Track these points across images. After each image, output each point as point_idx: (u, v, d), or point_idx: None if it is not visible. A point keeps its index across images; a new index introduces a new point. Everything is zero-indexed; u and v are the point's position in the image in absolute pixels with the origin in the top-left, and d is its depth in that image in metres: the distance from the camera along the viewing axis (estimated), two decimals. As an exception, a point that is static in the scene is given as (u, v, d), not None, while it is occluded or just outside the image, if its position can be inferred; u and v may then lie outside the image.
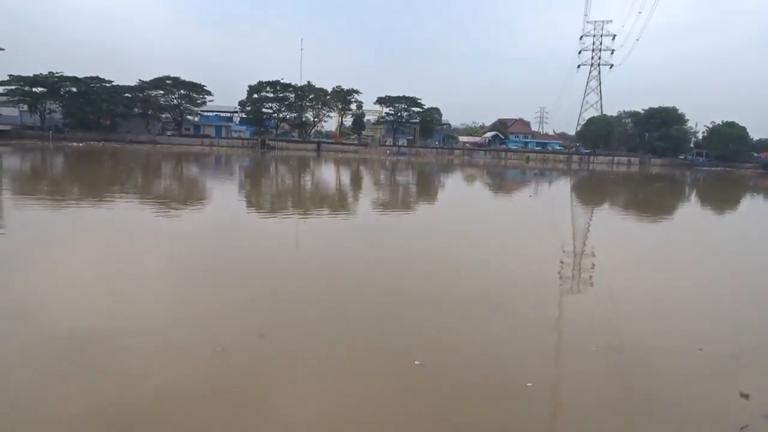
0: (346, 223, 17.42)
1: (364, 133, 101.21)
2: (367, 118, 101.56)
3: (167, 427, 4.60)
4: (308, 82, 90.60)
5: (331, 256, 11.79)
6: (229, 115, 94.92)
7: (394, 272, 10.52)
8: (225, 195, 24.84)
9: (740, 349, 7.13)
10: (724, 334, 7.82)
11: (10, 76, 73.41)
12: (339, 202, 23.38)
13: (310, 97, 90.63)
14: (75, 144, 63.89)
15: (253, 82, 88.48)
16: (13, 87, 73.99)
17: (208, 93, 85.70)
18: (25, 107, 77.18)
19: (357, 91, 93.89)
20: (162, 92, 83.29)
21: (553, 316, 8.20)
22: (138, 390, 5.14)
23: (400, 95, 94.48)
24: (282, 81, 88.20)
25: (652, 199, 33.91)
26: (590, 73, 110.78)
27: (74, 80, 76.34)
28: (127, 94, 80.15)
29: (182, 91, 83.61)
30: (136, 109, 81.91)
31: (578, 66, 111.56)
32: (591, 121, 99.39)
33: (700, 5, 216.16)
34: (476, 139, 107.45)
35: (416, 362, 5.98)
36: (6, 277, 8.78)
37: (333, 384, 5.53)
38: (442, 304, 8.40)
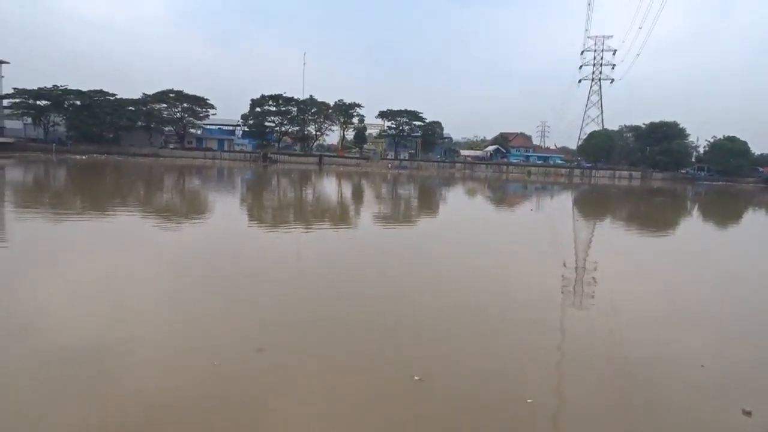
0: (347, 236, 17.42)
1: (365, 146, 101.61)
2: (368, 131, 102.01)
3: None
4: (310, 95, 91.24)
5: (332, 270, 11.77)
6: (231, 128, 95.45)
7: (394, 286, 10.50)
8: (226, 208, 24.87)
9: (742, 366, 7.08)
10: (726, 351, 7.77)
11: (14, 89, 74.11)
12: (340, 216, 23.39)
13: (313, 110, 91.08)
14: (78, 157, 64.16)
15: (256, 96, 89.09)
16: (17, 100, 74.63)
17: (211, 106, 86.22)
18: (29, 120, 77.79)
19: (359, 105, 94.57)
20: (165, 105, 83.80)
21: (554, 330, 8.16)
22: (138, 403, 5.12)
23: (402, 109, 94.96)
24: (284, 95, 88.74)
25: (653, 213, 33.88)
26: (591, 87, 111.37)
27: (78, 93, 77.03)
28: (130, 108, 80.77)
29: (185, 105, 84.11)
30: (139, 122, 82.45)
31: (579, 81, 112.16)
32: (592, 135, 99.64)
33: (700, 20, 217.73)
34: (477, 152, 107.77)
35: (415, 377, 5.94)
36: (7, 291, 8.78)
37: (331, 400, 5.50)
38: (442, 318, 8.37)
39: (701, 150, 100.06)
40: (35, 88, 74.79)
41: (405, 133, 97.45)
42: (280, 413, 5.20)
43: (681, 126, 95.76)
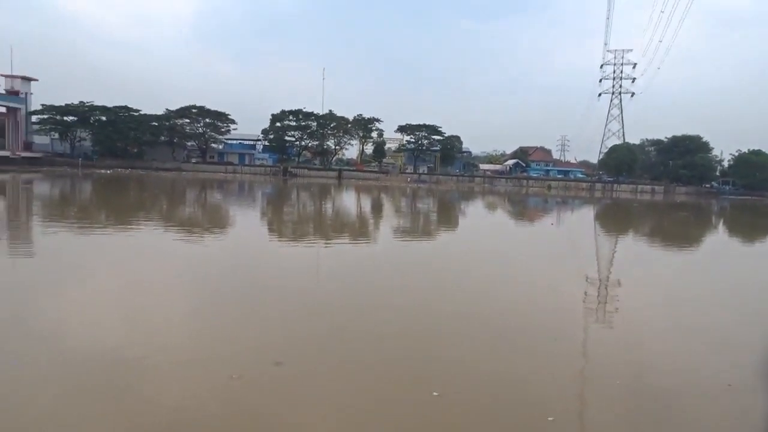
0: (366, 249, 17.43)
1: (384, 160, 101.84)
2: (387, 145, 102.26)
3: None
4: (330, 110, 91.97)
5: (351, 284, 11.78)
6: (252, 143, 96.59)
7: (414, 300, 10.44)
8: (247, 221, 25.12)
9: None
10: (753, 369, 7.54)
11: (43, 105, 76.23)
12: (359, 229, 23.44)
13: (332, 125, 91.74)
14: (103, 171, 65.60)
15: (276, 111, 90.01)
16: (45, 116, 76.69)
17: (232, 121, 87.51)
18: (57, 135, 79.78)
19: (378, 120, 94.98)
20: (188, 121, 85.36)
21: (576, 347, 8.02)
22: (156, 415, 5.15)
23: (421, 123, 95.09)
24: (304, 110, 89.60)
25: (677, 229, 33.28)
26: (611, 101, 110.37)
27: (103, 109, 78.89)
28: (153, 123, 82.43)
29: (207, 120, 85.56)
30: (163, 137, 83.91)
31: (599, 94, 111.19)
32: (614, 149, 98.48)
33: (720, 32, 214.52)
34: (497, 166, 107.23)
35: (434, 393, 5.88)
36: (34, 300, 8.96)
37: (350, 416, 5.46)
38: (461, 333, 8.29)
39: (726, 164, 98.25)
40: (63, 104, 76.84)
41: (424, 147, 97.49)
42: (299, 428, 5.18)
43: (704, 140, 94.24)
